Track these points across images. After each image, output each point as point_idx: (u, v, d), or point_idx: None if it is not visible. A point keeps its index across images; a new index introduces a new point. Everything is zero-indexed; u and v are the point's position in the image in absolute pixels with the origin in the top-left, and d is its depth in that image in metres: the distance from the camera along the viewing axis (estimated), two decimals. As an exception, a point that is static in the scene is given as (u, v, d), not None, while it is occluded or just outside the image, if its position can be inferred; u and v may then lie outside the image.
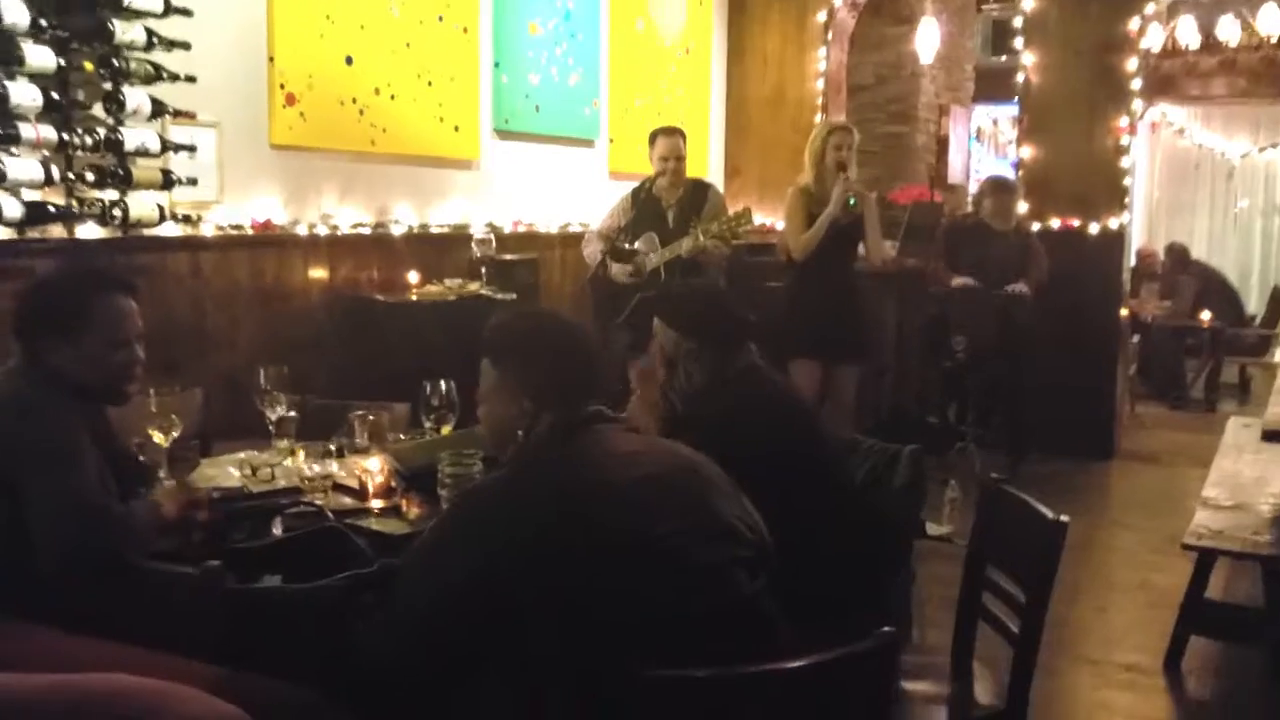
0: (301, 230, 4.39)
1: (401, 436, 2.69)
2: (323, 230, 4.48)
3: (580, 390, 1.93)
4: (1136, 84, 6.60)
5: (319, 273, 4.47)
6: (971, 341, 5.88)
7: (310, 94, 4.40)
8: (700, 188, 5.46)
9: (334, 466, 2.52)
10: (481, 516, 1.76)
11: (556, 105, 5.83)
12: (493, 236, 4.79)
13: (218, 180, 4.03)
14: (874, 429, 6.27)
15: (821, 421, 3.06)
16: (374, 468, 2.41)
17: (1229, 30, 8.86)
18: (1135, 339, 8.16)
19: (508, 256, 5.12)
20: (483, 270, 4.58)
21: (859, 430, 5.76)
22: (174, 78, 3.50)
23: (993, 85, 10.50)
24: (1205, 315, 8.66)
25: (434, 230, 5.03)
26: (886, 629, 1.60)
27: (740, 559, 1.84)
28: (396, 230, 4.82)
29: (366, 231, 4.68)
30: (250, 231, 4.16)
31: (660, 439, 2.00)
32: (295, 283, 4.37)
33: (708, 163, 7.30)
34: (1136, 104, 6.64)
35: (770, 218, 7.46)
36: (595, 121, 6.16)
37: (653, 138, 5.30)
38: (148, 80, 3.46)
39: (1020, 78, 6.84)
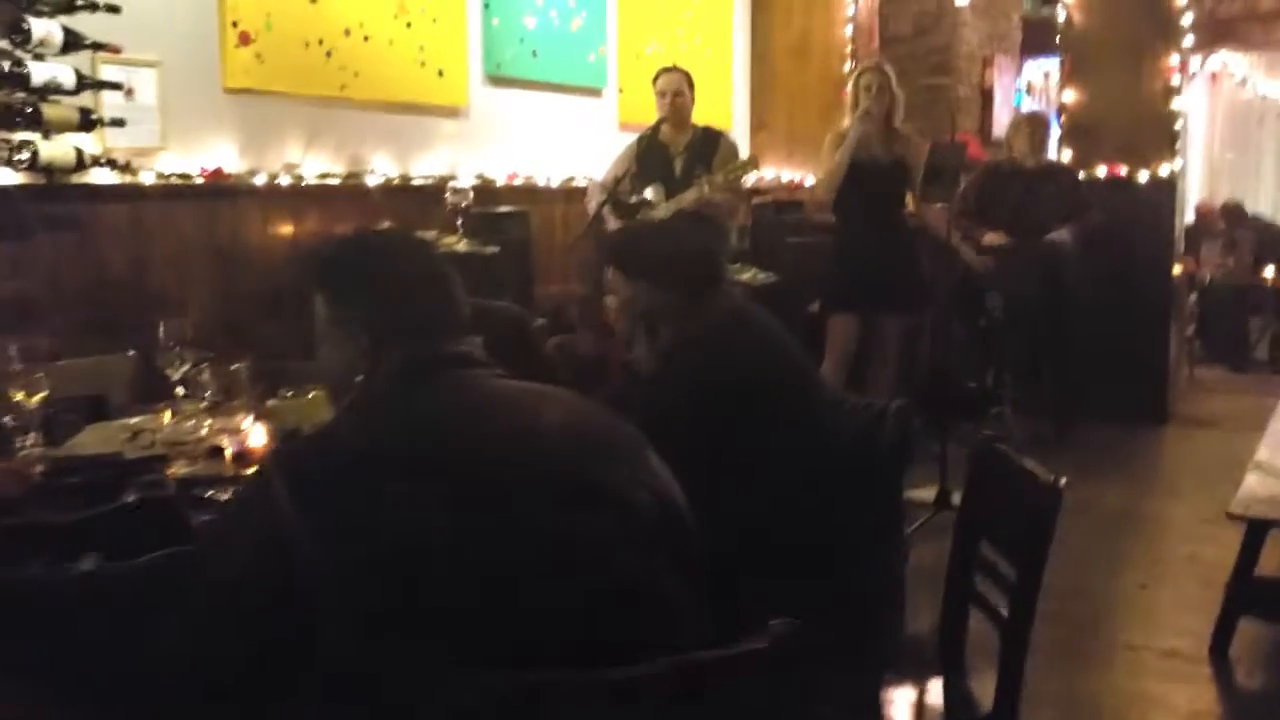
0: (260, 180, 4.06)
1: (290, 394, 2.35)
2: (285, 180, 4.16)
3: (435, 323, 1.57)
4: (1187, 19, 6.07)
5: (281, 227, 4.15)
6: (1009, 300, 5.43)
7: (269, 34, 4.06)
8: (711, 136, 5.09)
9: (204, 429, 2.19)
10: (294, 478, 1.40)
11: (556, 51, 5.46)
12: (469, 187, 4.43)
13: (160, 124, 3.71)
14: (911, 391, 5.89)
15: (815, 371, 2.70)
16: (247, 428, 2.08)
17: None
18: (1193, 298, 7.63)
19: (497, 209, 4.77)
20: (459, 223, 4.23)
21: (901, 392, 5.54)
22: (93, 7, 3.17)
23: (1043, 37, 9.94)
24: (1269, 273, 8.08)
25: (416, 182, 4.69)
26: (788, 622, 1.23)
27: (635, 535, 1.48)
28: (372, 181, 4.49)
29: (336, 183, 4.35)
30: (199, 181, 3.85)
31: (550, 388, 1.63)
32: (253, 238, 4.06)
33: (731, 116, 6.89)
34: (1188, 40, 6.11)
35: (799, 173, 7.04)
36: (601, 69, 5.78)
37: (655, 78, 4.96)
38: (62, 8, 3.14)
39: (1061, 16, 6.34)
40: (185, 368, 2.49)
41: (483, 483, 1.42)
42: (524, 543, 1.39)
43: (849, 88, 4.99)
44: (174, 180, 3.77)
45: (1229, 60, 10.48)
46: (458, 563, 1.35)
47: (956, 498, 4.43)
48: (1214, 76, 10.48)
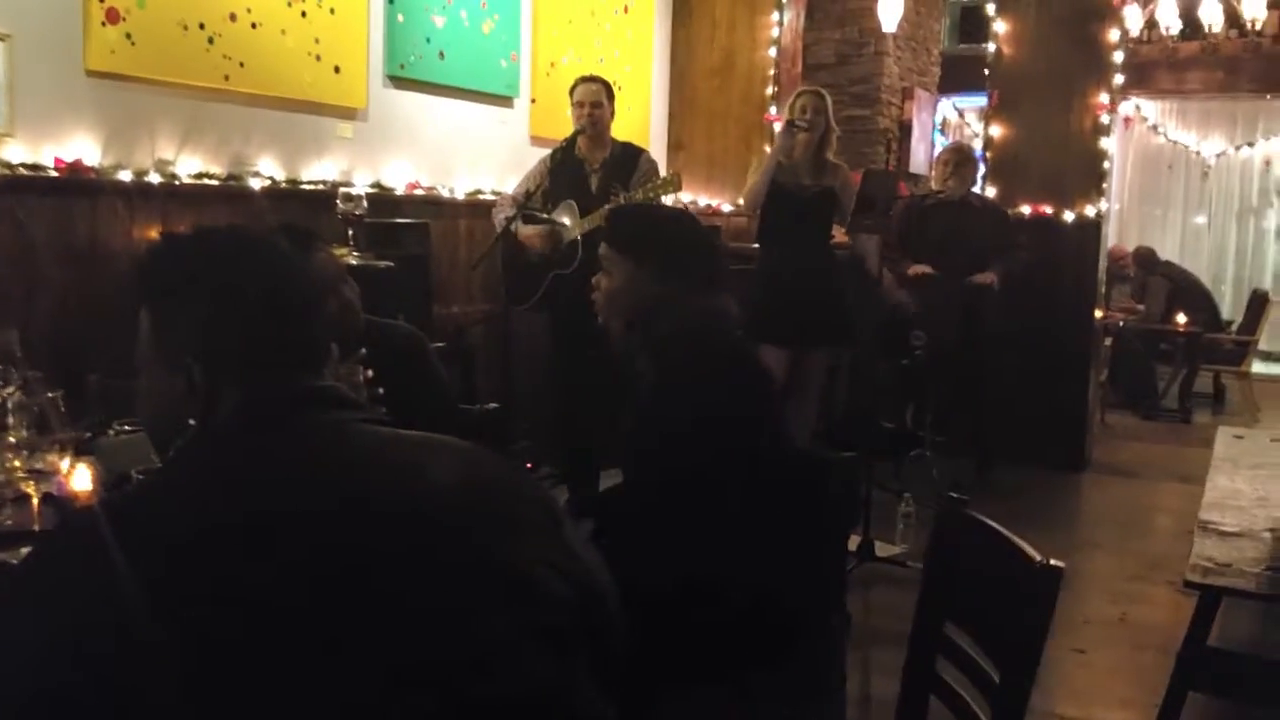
0: (125, 176, 3.61)
1: (127, 429, 1.93)
2: (155, 178, 3.70)
3: (289, 351, 1.21)
4: (1118, 56, 5.95)
5: (149, 230, 3.69)
6: (931, 337, 5.21)
7: (141, 12, 3.62)
8: (631, 152, 4.77)
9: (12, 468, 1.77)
10: (126, 538, 1.02)
11: (466, 54, 5.08)
12: (363, 194, 4.02)
13: (7, 107, 3.26)
14: (827, 431, 5.63)
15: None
16: (64, 470, 1.66)
17: (1212, 13, 8.26)
18: (1106, 343, 7.54)
19: (395, 220, 4.37)
20: (351, 234, 3.82)
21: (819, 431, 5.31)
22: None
23: (961, 75, 9.91)
24: (1180, 320, 8.05)
25: (306, 187, 4.27)
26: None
27: (539, 631, 1.13)
28: (256, 184, 4.05)
29: (215, 184, 3.91)
30: (53, 173, 3.38)
31: (441, 439, 1.27)
32: (114, 241, 3.59)
33: (649, 135, 6.57)
34: (1118, 78, 5.99)
35: (717, 199, 6.76)
36: (514, 77, 5.42)
37: (572, 88, 4.63)
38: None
39: (990, 47, 6.18)
40: (9, 390, 2.07)
41: (346, 565, 1.06)
42: (398, 641, 1.04)
43: (783, 113, 4.71)
44: (21, 171, 3.31)
45: (1142, 105, 10.57)
46: (317, 666, 1.00)
47: (880, 547, 4.23)
48: (1127, 121, 10.55)
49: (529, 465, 4.66)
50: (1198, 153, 10.75)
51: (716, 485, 1.92)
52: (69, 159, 3.43)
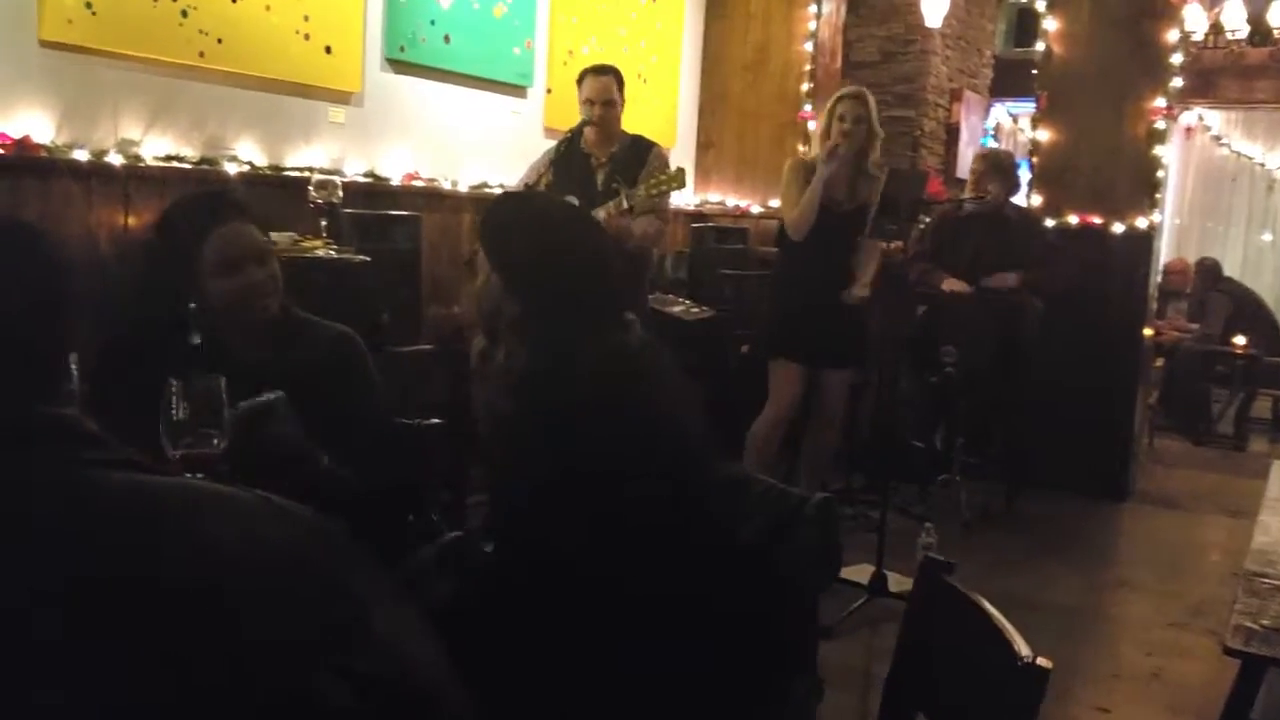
0: (82, 156, 3.36)
1: None
2: (116, 159, 3.45)
3: (11, 366, 0.92)
4: (1177, 58, 5.54)
5: (109, 215, 3.44)
6: (964, 354, 4.84)
7: (105, -20, 3.38)
8: (641, 146, 4.46)
9: None
10: None
11: (475, 38, 4.79)
12: (339, 182, 3.74)
13: (-54, 76, 3.02)
14: (852, 452, 5.28)
15: (706, 449, 2.03)
16: None
17: (1283, 17, 7.78)
18: (1158, 363, 7.11)
19: (380, 212, 4.09)
20: (322, 222, 3.54)
21: (841, 451, 4.94)
22: None
23: (1016, 79, 9.49)
24: (1239, 341, 7.59)
25: (290, 174, 4.00)
26: None
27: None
28: (232, 168, 3.79)
29: (185, 167, 3.65)
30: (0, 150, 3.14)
31: (209, 487, 0.97)
32: (69, 225, 3.34)
33: (676, 132, 6.27)
34: (1176, 81, 5.57)
35: (746, 199, 6.44)
36: (527, 65, 5.12)
37: (580, 78, 4.33)
38: None
39: (1040, 46, 5.79)
40: None
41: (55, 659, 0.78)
42: None
43: (823, 114, 4.31)
44: (-38, 148, 3.07)
45: (1205, 115, 10.07)
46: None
47: (894, 582, 3.88)
48: (1189, 131, 10.06)
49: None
50: (1263, 165, 10.21)
51: (596, 573, 1.57)
52: (16, 135, 3.19)
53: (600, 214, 4.09)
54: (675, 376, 1.84)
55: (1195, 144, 10.28)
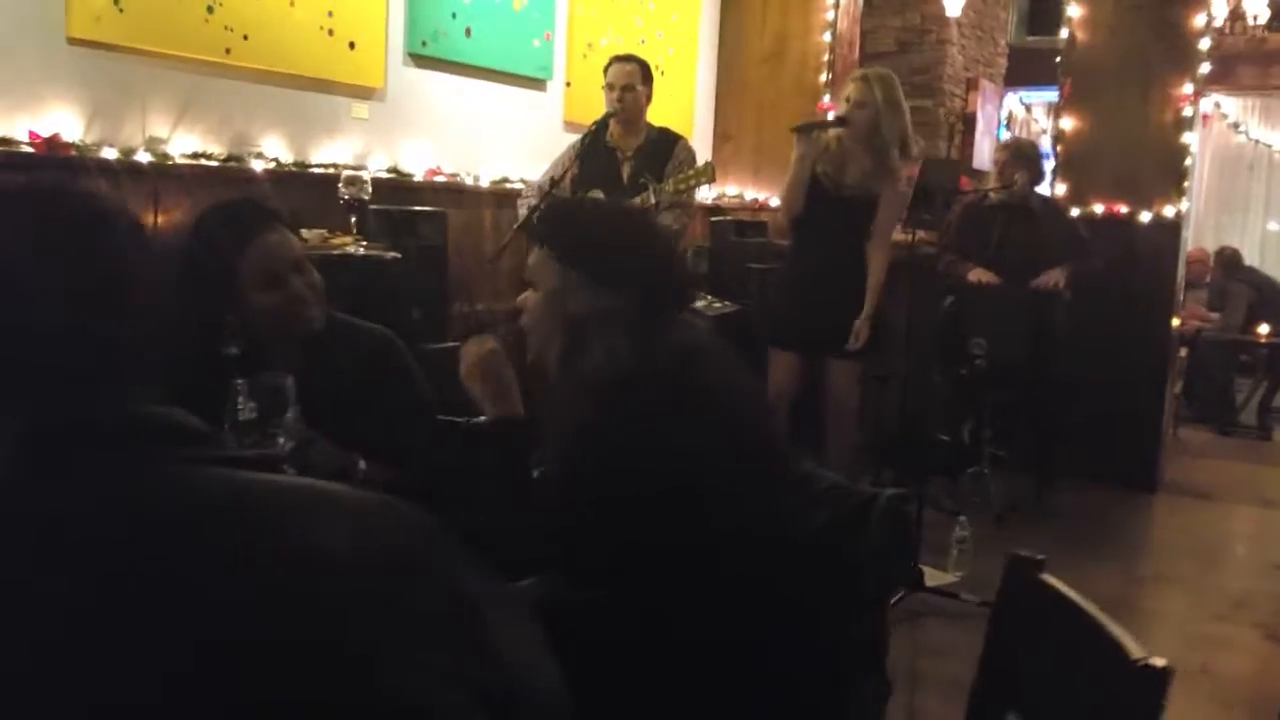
0: (110, 154, 3.31)
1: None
2: (145, 158, 3.41)
3: (93, 358, 0.88)
4: (1204, 44, 5.48)
5: (138, 213, 3.39)
6: (994, 346, 4.78)
7: (131, -23, 3.34)
8: (667, 139, 4.43)
9: None
10: None
11: (496, 32, 4.75)
12: (368, 179, 3.70)
13: (-26, 74, 2.98)
14: (880, 446, 5.22)
15: (781, 442, 1.99)
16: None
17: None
18: (1182, 353, 7.05)
19: (408, 208, 4.04)
20: (354, 220, 3.50)
21: (863, 446, 4.89)
22: None
23: (1029, 69, 9.44)
24: (1263, 329, 7.53)
25: (315, 170, 3.96)
26: None
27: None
28: (259, 165, 3.75)
29: (213, 165, 3.61)
30: (27, 149, 3.10)
31: (317, 485, 0.92)
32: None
33: (694, 124, 6.21)
34: (1204, 67, 5.51)
35: (765, 192, 6.38)
36: (547, 58, 5.08)
37: (605, 67, 4.29)
38: None
39: (1064, 33, 5.73)
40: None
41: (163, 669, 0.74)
42: None
43: (836, 101, 4.27)
44: (-10, 146, 3.03)
45: (1222, 102, 10.00)
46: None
47: (930, 575, 3.83)
48: (1205, 118, 9.99)
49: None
50: (1281, 152, 10.17)
51: (673, 571, 1.54)
52: (45, 134, 3.14)
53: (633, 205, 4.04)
54: (745, 370, 1.81)
55: (1212, 132, 10.21)
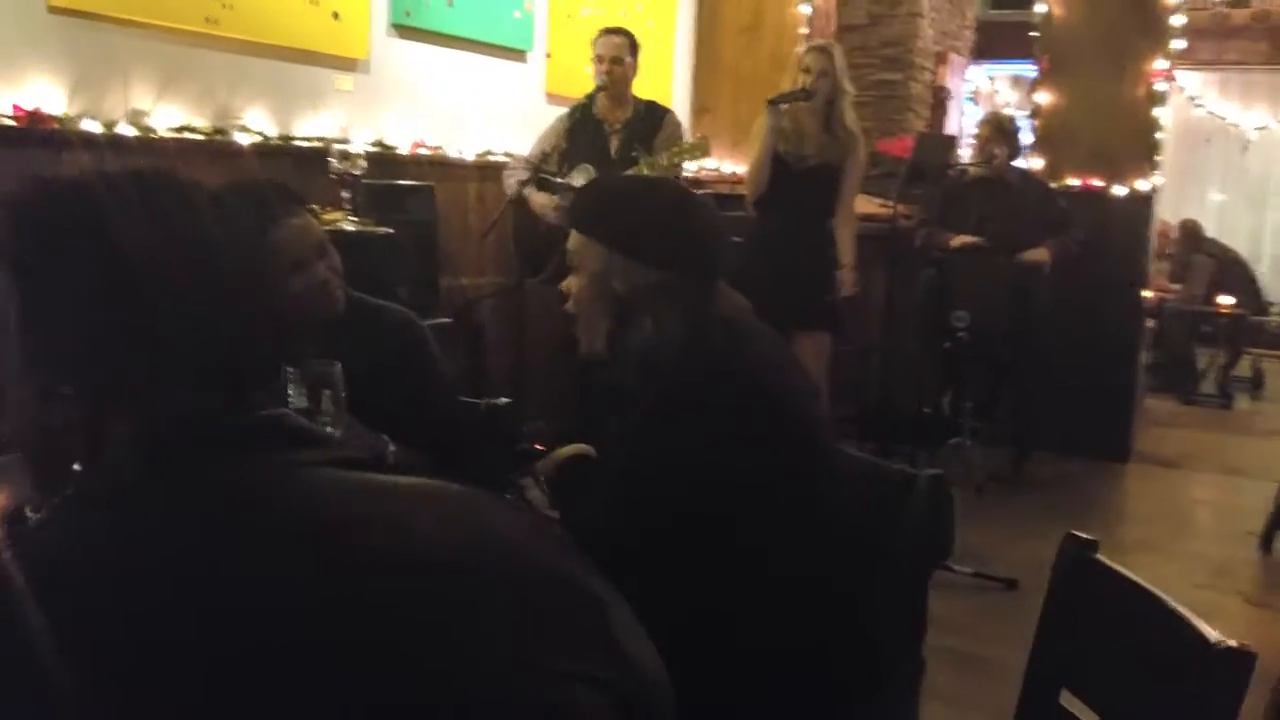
0: (94, 127, 3.22)
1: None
2: (129, 131, 3.32)
3: (211, 362, 0.85)
4: (1177, 20, 5.53)
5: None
6: (976, 319, 4.81)
7: (114, -56, 3.24)
8: (655, 112, 4.41)
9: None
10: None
11: (477, 2, 4.67)
12: (361, 153, 3.63)
13: (-46, 46, 2.88)
14: (859, 419, 5.26)
15: (827, 421, 2.00)
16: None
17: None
18: (1149, 324, 7.15)
19: (396, 182, 3.98)
20: (347, 196, 3.44)
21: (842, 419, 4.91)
22: None
23: (994, 42, 9.48)
24: (1225, 301, 7.66)
25: (299, 144, 3.88)
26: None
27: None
28: (244, 139, 3.67)
29: (199, 138, 3.52)
30: (10, 122, 3.00)
31: (426, 483, 0.90)
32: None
33: (671, 97, 6.16)
34: (1177, 43, 5.56)
35: (743, 165, 6.35)
36: (528, 29, 5.01)
37: (595, 40, 4.26)
38: None
39: (1040, 9, 5.75)
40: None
41: (296, 668, 0.71)
42: None
43: (791, 68, 4.32)
44: (-29, 118, 2.93)
45: (1181, 76, 10.10)
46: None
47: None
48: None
49: (539, 446, 4.30)
50: (1237, 126, 10.29)
51: (727, 545, 1.55)
52: (28, 107, 3.05)
53: (624, 180, 4.01)
54: (781, 342, 1.81)
55: (1172, 105, 10.31)
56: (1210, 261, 7.94)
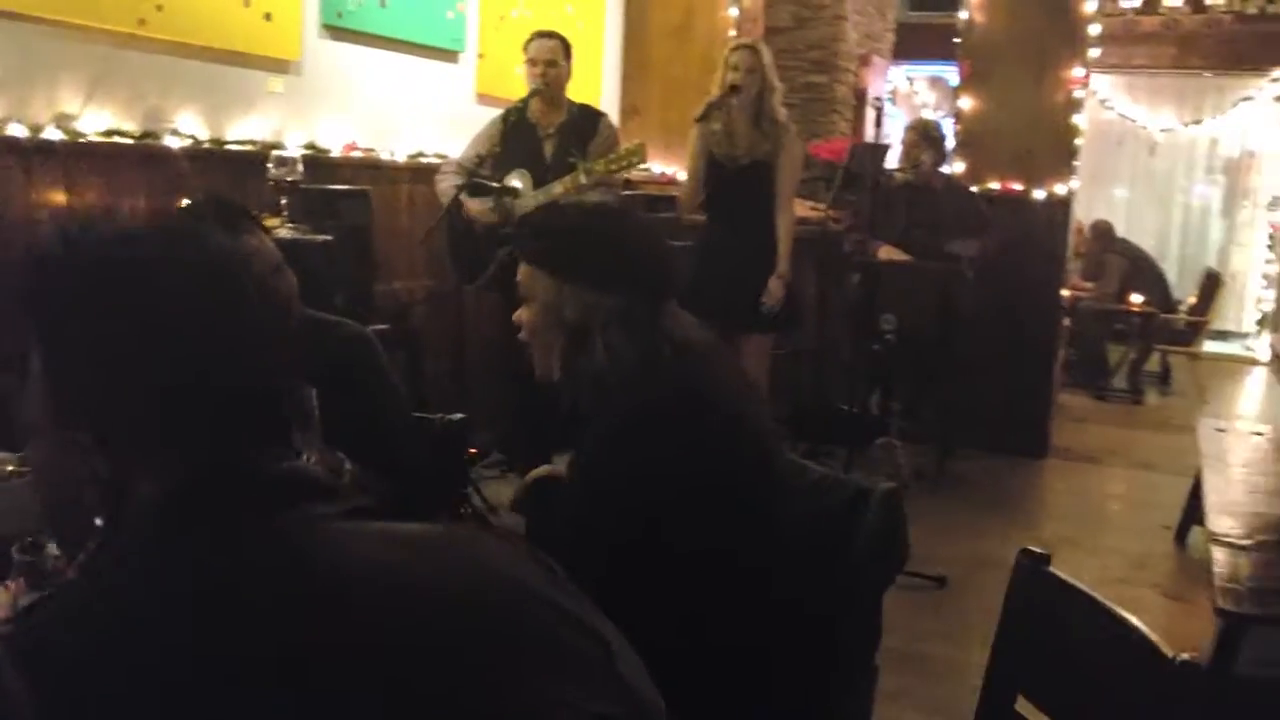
0: (20, 131, 3.14)
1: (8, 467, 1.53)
2: (56, 135, 3.24)
3: (231, 415, 0.85)
4: (1094, 29, 5.70)
5: (49, 195, 3.22)
6: (903, 322, 4.91)
7: (40, -58, 3.15)
8: (589, 115, 4.42)
9: None
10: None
11: (410, 3, 4.63)
12: (298, 158, 3.59)
13: None
14: (790, 419, 5.33)
15: (777, 436, 2.04)
16: None
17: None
18: (1065, 323, 7.36)
19: (332, 187, 3.94)
20: (284, 202, 3.39)
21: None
22: None
23: (913, 43, 9.66)
24: (1137, 299, 7.92)
25: (232, 148, 3.81)
26: None
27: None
28: (175, 144, 3.60)
29: (128, 143, 3.45)
30: (-67, 128, 2.92)
31: (441, 530, 0.91)
32: (12, 206, 3.11)
33: (601, 98, 6.17)
34: (1094, 51, 5.74)
35: (674, 167, 6.39)
36: (460, 30, 4.99)
37: (526, 43, 4.25)
38: None
39: (963, 15, 5.88)
40: None
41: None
42: None
43: (719, 69, 4.34)
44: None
45: (1092, 79, 10.39)
46: None
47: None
48: (1078, 95, 10.36)
49: (474, 451, 4.30)
50: (1146, 128, 10.62)
51: (686, 560, 1.58)
52: (-49, 111, 2.96)
53: (558, 188, 4.02)
54: (733, 360, 1.85)
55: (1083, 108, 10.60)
56: (1123, 261, 8.19)
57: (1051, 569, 1.55)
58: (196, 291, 0.84)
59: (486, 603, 0.83)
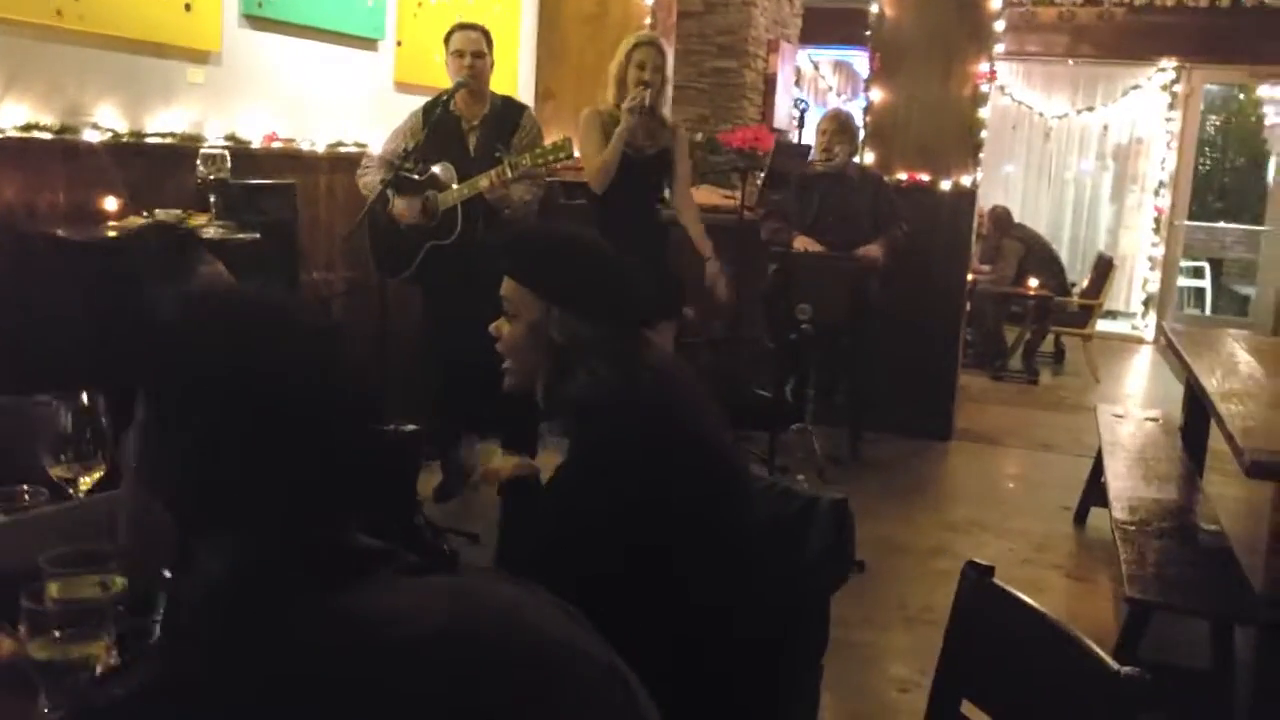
0: (-65, 128, 3.05)
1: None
2: (-27, 131, 3.15)
3: (308, 484, 0.89)
4: (1000, 25, 5.89)
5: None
6: (818, 311, 5.04)
7: (-46, -69, 3.05)
8: (512, 108, 4.44)
9: None
10: None
11: (328, -9, 4.58)
12: (226, 153, 3.54)
13: None
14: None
15: (740, 453, 2.13)
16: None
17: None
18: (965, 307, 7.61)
19: (257, 181, 3.89)
20: (211, 198, 3.35)
21: None
22: None
23: (816, 27, 9.79)
24: (1033, 283, 8.22)
25: (151, 141, 3.74)
26: None
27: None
28: (95, 137, 3.52)
29: (46, 136, 3.36)
30: None
31: (481, 583, 0.97)
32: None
33: (516, 84, 6.17)
34: (999, 46, 5.93)
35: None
36: (379, 18, 4.94)
37: (448, 36, 4.25)
38: None
39: (874, 8, 6.01)
40: None
41: None
42: None
43: (617, 59, 4.42)
44: None
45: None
46: None
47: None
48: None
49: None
50: (1041, 114, 10.96)
51: (660, 577, 1.65)
52: None
53: (484, 182, 4.04)
54: (699, 386, 1.92)
55: (983, 95, 10.90)
56: (1019, 246, 8.47)
57: (995, 580, 1.66)
58: (317, 380, 0.87)
59: (539, 653, 0.88)
